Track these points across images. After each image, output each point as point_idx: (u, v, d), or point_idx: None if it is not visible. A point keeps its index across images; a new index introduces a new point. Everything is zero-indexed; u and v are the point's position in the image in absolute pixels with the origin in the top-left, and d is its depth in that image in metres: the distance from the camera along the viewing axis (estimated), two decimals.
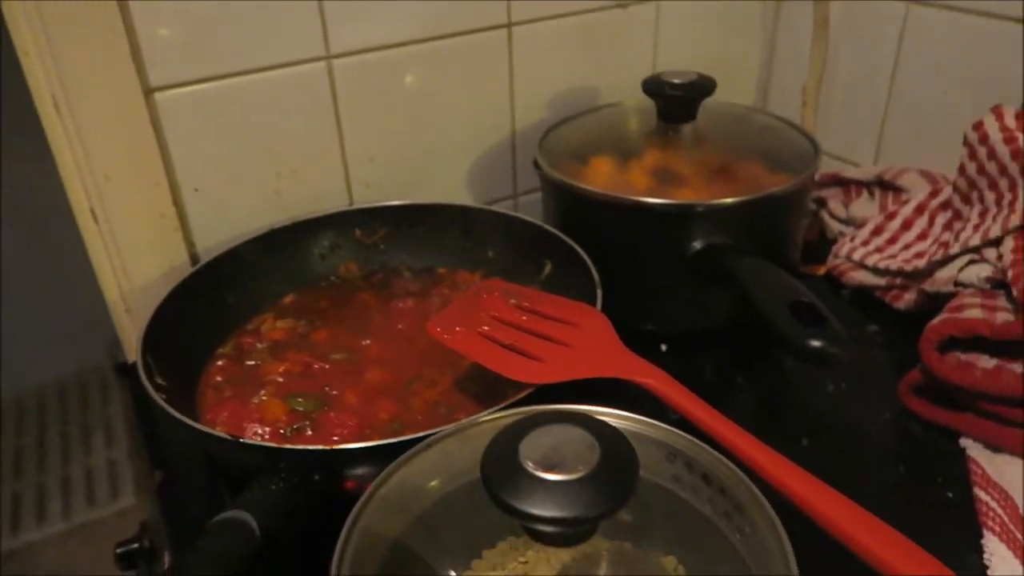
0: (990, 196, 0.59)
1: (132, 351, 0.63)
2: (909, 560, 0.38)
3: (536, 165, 0.64)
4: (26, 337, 1.76)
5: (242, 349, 0.56)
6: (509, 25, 0.68)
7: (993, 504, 0.45)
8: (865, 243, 0.68)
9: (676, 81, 0.62)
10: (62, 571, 1.43)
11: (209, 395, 0.52)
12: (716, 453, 0.37)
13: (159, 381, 0.48)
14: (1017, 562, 0.42)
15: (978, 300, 0.53)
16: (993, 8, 0.64)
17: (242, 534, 0.35)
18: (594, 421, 0.32)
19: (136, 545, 0.53)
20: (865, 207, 0.72)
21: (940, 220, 0.65)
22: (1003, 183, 0.58)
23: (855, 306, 0.65)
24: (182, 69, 0.56)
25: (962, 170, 0.62)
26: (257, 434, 0.47)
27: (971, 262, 0.57)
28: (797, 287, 0.48)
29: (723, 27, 0.80)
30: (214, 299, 0.58)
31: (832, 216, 0.74)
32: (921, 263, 0.60)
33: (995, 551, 0.43)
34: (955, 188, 0.63)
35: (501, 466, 0.30)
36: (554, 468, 0.29)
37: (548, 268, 0.60)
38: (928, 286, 0.59)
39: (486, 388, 0.51)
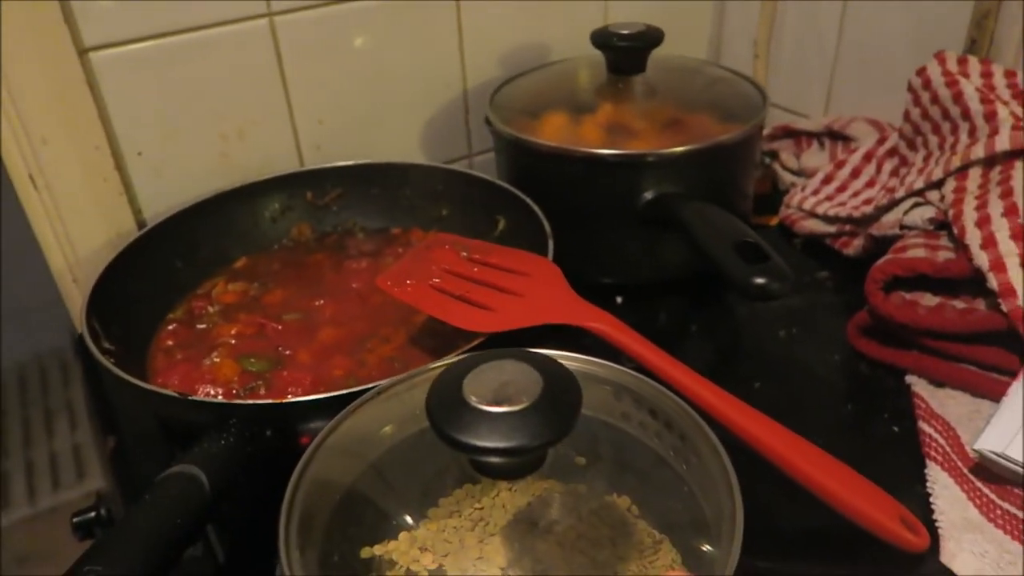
0: (933, 140, 0.60)
1: (81, 322, 0.62)
2: (855, 490, 0.39)
3: (487, 122, 0.64)
4: None
5: (193, 313, 0.55)
6: None
7: (936, 435, 0.47)
8: (815, 192, 0.68)
9: (624, 32, 0.62)
10: (28, 555, 1.41)
11: (160, 359, 0.51)
12: (660, 386, 0.37)
13: (107, 346, 0.47)
14: (958, 488, 0.44)
15: (921, 240, 0.54)
16: None
17: (191, 487, 0.34)
18: (538, 356, 0.32)
19: (93, 514, 0.53)
20: (815, 157, 0.73)
21: (887, 167, 0.66)
22: (945, 127, 0.59)
23: (806, 254, 0.66)
24: (118, 27, 0.54)
25: (907, 116, 0.63)
26: (209, 394, 0.47)
27: (915, 205, 0.58)
28: (741, 227, 0.49)
29: None
30: (162, 264, 0.57)
31: (784, 168, 0.75)
32: (869, 209, 0.61)
33: (937, 479, 0.44)
34: (901, 134, 0.64)
35: (446, 402, 0.30)
36: (498, 402, 0.29)
37: (502, 224, 0.60)
38: (875, 230, 0.60)
39: (441, 343, 0.51)
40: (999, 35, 0.62)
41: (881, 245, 0.59)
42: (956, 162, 0.55)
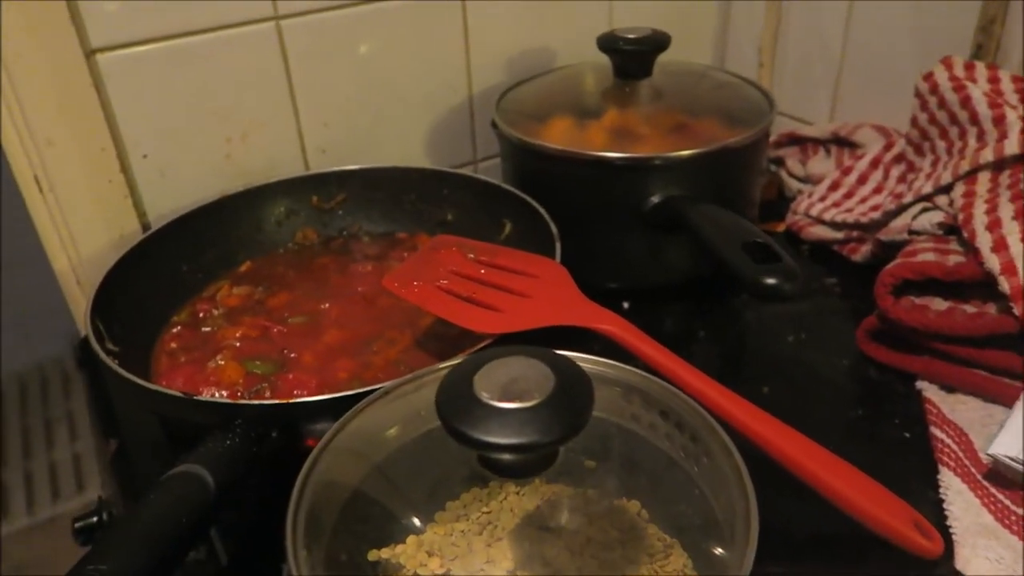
0: (941, 145, 0.60)
1: (84, 325, 0.61)
2: (868, 494, 0.39)
3: (493, 125, 0.64)
4: None
5: (197, 316, 0.55)
6: None
7: (948, 441, 0.46)
8: (822, 198, 0.68)
9: (631, 36, 0.62)
10: (26, 566, 1.40)
11: (163, 361, 0.51)
12: (670, 386, 0.37)
13: (110, 347, 0.47)
14: (972, 494, 0.43)
15: (931, 245, 0.54)
16: None
17: (196, 487, 0.34)
18: (548, 353, 0.31)
19: (94, 519, 0.52)
20: (822, 164, 0.73)
21: (895, 173, 0.66)
22: (953, 131, 0.59)
23: (814, 260, 0.66)
24: (125, 29, 0.54)
25: (914, 121, 0.62)
26: (214, 397, 0.46)
27: (924, 210, 0.57)
28: (750, 228, 0.48)
29: None
30: (166, 267, 0.56)
31: (790, 174, 0.75)
32: (877, 215, 0.61)
33: (950, 485, 0.43)
34: (908, 140, 0.64)
35: (456, 397, 0.29)
36: (509, 398, 0.29)
37: (508, 228, 0.60)
38: (883, 235, 0.59)
39: (446, 345, 0.50)
40: (1005, 40, 0.62)
41: (889, 250, 0.59)
42: (965, 166, 0.55)
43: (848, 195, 0.67)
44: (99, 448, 0.53)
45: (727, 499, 0.33)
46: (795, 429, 0.40)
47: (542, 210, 0.55)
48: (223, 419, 0.39)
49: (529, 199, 0.57)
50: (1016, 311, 0.46)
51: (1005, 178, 0.53)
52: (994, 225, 0.50)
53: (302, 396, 0.46)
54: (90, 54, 0.54)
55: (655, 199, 0.57)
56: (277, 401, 0.39)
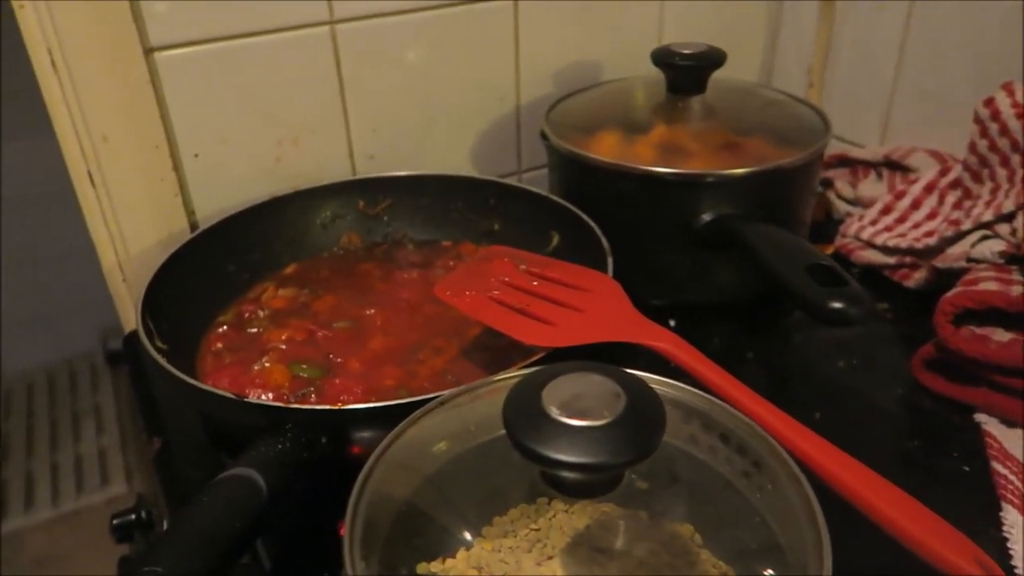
0: (1002, 172, 0.59)
1: (128, 321, 0.62)
2: (928, 527, 0.37)
3: (543, 136, 0.63)
4: (15, 323, 1.73)
5: (243, 317, 0.55)
6: None
7: (1012, 477, 0.45)
8: (874, 222, 0.67)
9: (686, 52, 0.61)
10: (49, 558, 1.40)
11: (209, 361, 0.51)
12: (734, 411, 0.36)
13: (159, 345, 0.47)
14: None
15: (992, 274, 0.53)
16: None
17: (248, 490, 0.33)
18: (618, 371, 0.31)
19: (133, 517, 0.52)
20: (873, 187, 0.72)
21: (950, 199, 0.65)
22: (1015, 159, 0.57)
23: (864, 284, 0.64)
24: (184, 29, 0.55)
25: (973, 147, 0.61)
26: (261, 399, 0.46)
27: (984, 238, 0.56)
28: (812, 250, 0.47)
29: (728, 6, 0.79)
30: (213, 266, 0.56)
31: (839, 196, 0.74)
32: (932, 241, 0.60)
33: (1015, 523, 0.42)
34: (965, 165, 0.63)
35: (524, 412, 0.29)
36: (578, 415, 0.28)
37: (555, 240, 0.59)
38: (939, 262, 0.58)
39: (494, 357, 0.50)
40: None
41: (945, 278, 0.57)
42: None
43: (901, 219, 0.66)
44: (140, 446, 0.53)
45: (793, 529, 0.32)
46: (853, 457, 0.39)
47: (593, 223, 0.55)
48: (272, 423, 0.39)
49: (580, 212, 0.56)
50: None
51: None
52: None
53: (348, 402, 0.46)
54: (148, 52, 0.54)
55: (706, 216, 0.56)
56: (330, 407, 0.39)
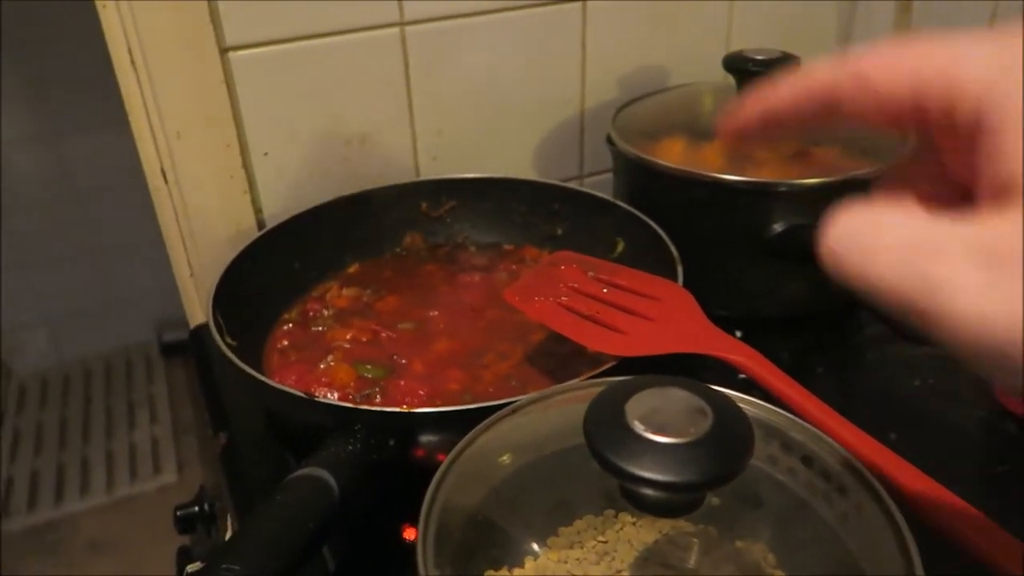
0: None
1: (194, 316, 0.63)
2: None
3: (609, 141, 0.62)
4: (76, 311, 1.79)
5: (307, 315, 0.55)
6: None
7: None
8: None
9: (759, 58, 0.60)
10: (103, 543, 1.44)
11: (275, 359, 0.51)
12: (820, 433, 0.34)
13: (229, 340, 0.47)
14: None
15: None
16: None
17: (320, 491, 0.33)
18: (702, 386, 0.30)
19: (195, 509, 0.52)
20: None
21: None
22: None
23: None
24: (258, 29, 0.55)
25: None
26: (327, 398, 0.46)
27: None
28: None
29: (797, 16, 0.77)
30: (280, 264, 0.57)
31: None
32: None
33: None
34: None
35: (606, 426, 0.28)
36: (664, 430, 0.27)
37: (620, 247, 0.58)
38: None
39: (558, 363, 0.49)
40: None
41: None
42: None
43: None
44: (202, 439, 0.54)
45: (880, 560, 0.31)
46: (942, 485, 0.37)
47: (661, 231, 0.53)
48: (341, 423, 0.39)
49: (648, 219, 0.55)
50: None
51: None
52: None
53: (413, 404, 0.46)
54: (224, 52, 0.55)
55: (778, 227, 0.55)
56: (401, 409, 0.38)
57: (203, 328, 0.58)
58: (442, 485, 0.33)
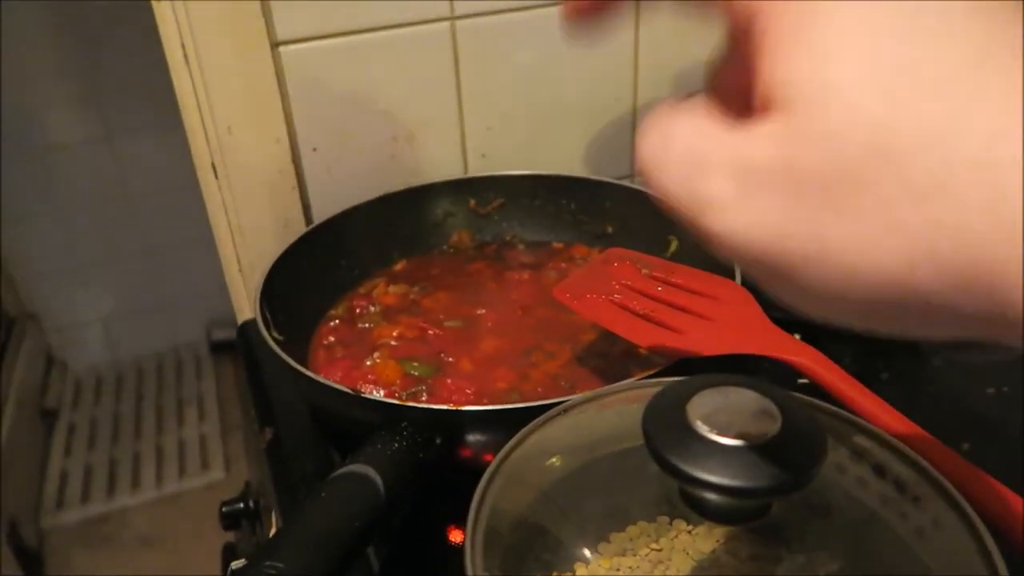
0: None
1: (242, 311, 0.63)
2: None
3: None
4: (130, 311, 1.83)
5: (354, 312, 0.54)
6: None
7: None
8: None
9: None
10: (152, 537, 1.47)
11: (321, 355, 0.51)
12: (894, 440, 0.32)
13: (275, 335, 0.47)
14: None
15: None
16: None
17: (366, 489, 0.32)
18: (769, 387, 0.28)
19: (240, 505, 0.52)
20: None
21: None
22: None
23: None
24: (309, 24, 0.55)
25: None
26: (372, 395, 0.45)
27: None
28: None
29: None
30: (327, 260, 0.56)
31: None
32: None
33: None
34: None
35: (667, 426, 0.26)
36: (729, 432, 0.26)
37: (673, 245, 0.57)
38: None
39: (608, 364, 0.48)
40: None
41: None
42: None
43: None
44: (249, 435, 0.54)
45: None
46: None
47: None
48: (387, 420, 0.38)
49: None
50: None
51: None
52: None
53: (460, 403, 0.45)
54: (275, 46, 0.55)
55: None
56: (448, 407, 0.37)
57: (250, 323, 0.58)
58: (490, 486, 0.31)
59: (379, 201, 0.59)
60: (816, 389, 0.40)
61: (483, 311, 0.53)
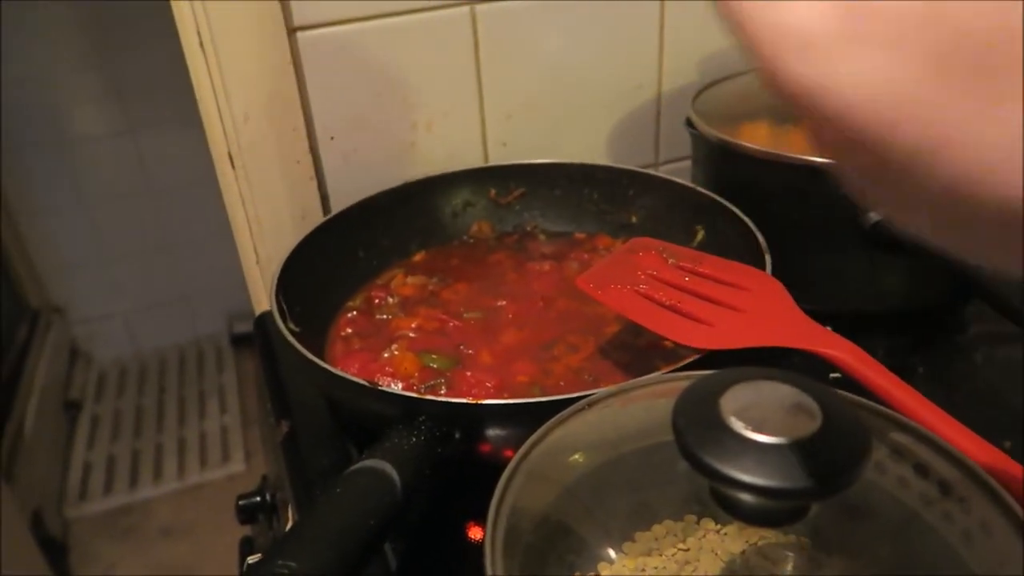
0: None
1: (259, 302, 0.62)
2: None
3: (689, 124, 0.59)
4: (153, 304, 1.84)
5: (372, 303, 0.53)
6: None
7: None
8: None
9: None
10: (174, 527, 1.47)
11: (338, 346, 0.50)
12: (937, 439, 0.30)
13: (292, 327, 0.46)
14: None
15: None
16: None
17: (382, 485, 0.31)
18: (807, 381, 0.26)
19: (257, 499, 0.51)
20: None
21: None
22: None
23: None
24: (326, 8, 0.54)
25: None
26: (390, 387, 0.44)
27: None
28: None
29: None
30: (344, 251, 0.55)
31: None
32: None
33: None
34: None
35: (698, 422, 0.25)
36: (766, 429, 0.24)
37: (700, 235, 0.55)
38: None
39: (633, 357, 0.46)
40: None
41: None
42: None
43: None
44: (265, 428, 0.53)
45: None
46: None
47: (747, 219, 0.50)
48: (404, 413, 0.37)
49: (732, 206, 0.51)
50: None
51: None
52: None
53: (480, 396, 0.43)
54: (292, 32, 0.54)
55: (875, 215, 0.50)
56: (468, 400, 0.36)
57: (267, 315, 0.57)
58: (511, 483, 0.30)
59: (397, 191, 0.58)
60: (848, 383, 0.38)
61: (503, 303, 0.52)
